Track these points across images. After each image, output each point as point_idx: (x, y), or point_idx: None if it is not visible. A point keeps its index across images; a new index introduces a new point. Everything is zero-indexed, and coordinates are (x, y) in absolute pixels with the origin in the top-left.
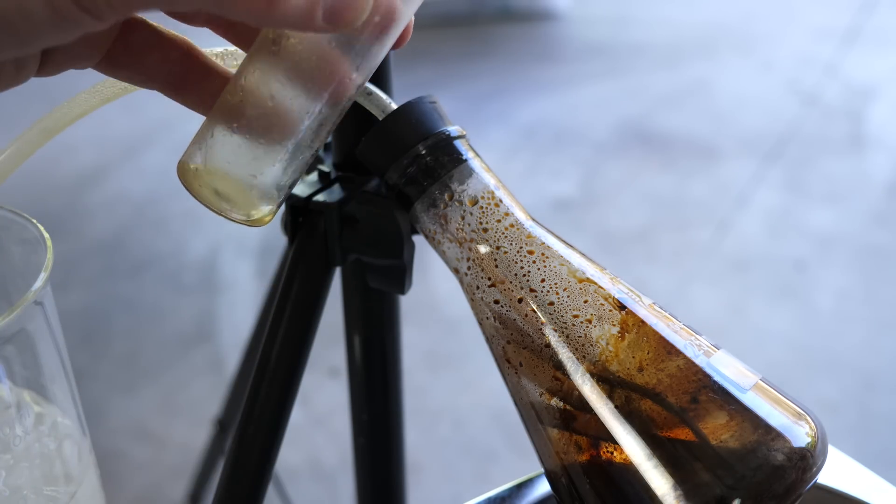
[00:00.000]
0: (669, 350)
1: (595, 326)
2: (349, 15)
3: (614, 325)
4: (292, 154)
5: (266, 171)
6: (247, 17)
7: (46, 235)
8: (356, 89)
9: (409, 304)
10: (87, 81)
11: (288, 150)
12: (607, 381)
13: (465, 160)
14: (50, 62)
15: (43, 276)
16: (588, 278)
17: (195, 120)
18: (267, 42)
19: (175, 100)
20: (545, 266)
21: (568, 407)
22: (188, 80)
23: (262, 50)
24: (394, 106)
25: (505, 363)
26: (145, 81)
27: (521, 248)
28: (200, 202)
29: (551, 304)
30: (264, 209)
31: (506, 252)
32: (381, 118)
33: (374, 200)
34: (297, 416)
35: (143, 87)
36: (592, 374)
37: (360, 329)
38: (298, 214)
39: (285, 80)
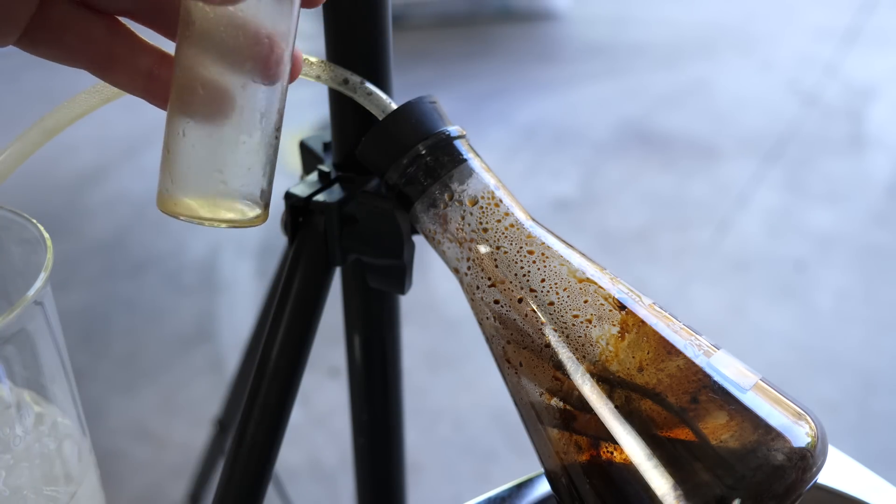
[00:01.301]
0: (669, 350)
1: (595, 326)
2: None
3: (614, 325)
4: (249, 139)
5: (229, 163)
6: None
7: (46, 235)
8: (282, 53)
9: (409, 304)
10: (87, 81)
11: (243, 136)
12: (607, 381)
13: (465, 160)
14: None
15: (43, 276)
16: (588, 278)
17: None
18: (183, 29)
19: (104, 79)
20: (545, 266)
21: (568, 407)
22: (114, 58)
23: (180, 40)
24: (394, 106)
25: (505, 363)
26: (70, 59)
27: (521, 248)
28: (188, 220)
29: (551, 304)
30: (246, 208)
31: (506, 252)
32: (381, 118)
33: (374, 200)
34: (297, 416)
35: (69, 65)
36: (592, 374)
37: (360, 329)
38: (298, 214)
39: (207, 61)
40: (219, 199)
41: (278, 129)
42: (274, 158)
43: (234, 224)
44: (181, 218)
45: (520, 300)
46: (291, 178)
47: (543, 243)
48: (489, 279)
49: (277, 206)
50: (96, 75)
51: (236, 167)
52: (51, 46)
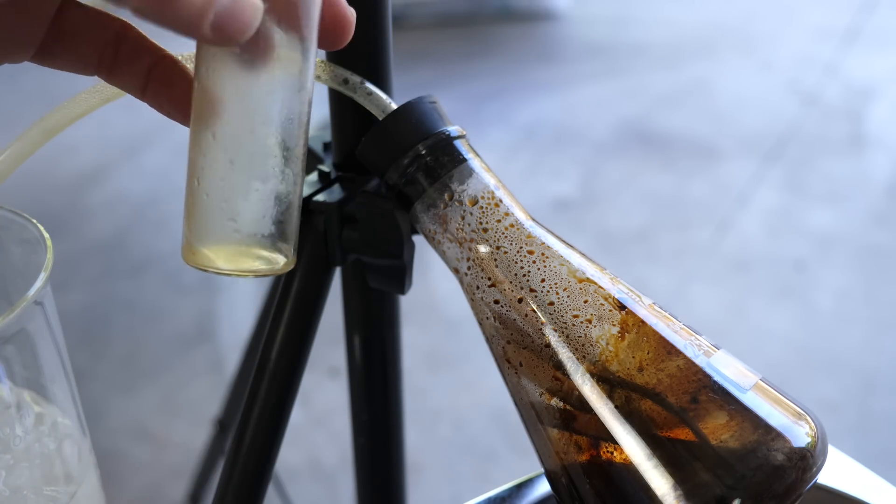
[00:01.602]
0: (669, 350)
1: (595, 326)
2: (234, 28)
3: (614, 325)
4: (262, 186)
5: (242, 211)
6: (140, 13)
7: (46, 235)
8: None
9: (409, 304)
10: (87, 81)
11: (255, 183)
12: (607, 381)
13: (465, 160)
14: None
15: (43, 276)
16: (588, 278)
17: None
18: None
19: (109, 83)
20: (545, 266)
21: (568, 407)
22: (120, 60)
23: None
24: (394, 106)
25: (505, 363)
26: (82, 68)
27: (521, 248)
28: (211, 271)
29: (551, 304)
30: (268, 258)
31: (506, 252)
32: (381, 118)
33: (374, 200)
34: (297, 416)
35: (81, 73)
36: (592, 374)
37: (360, 329)
38: None
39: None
40: (236, 249)
41: (298, 173)
42: (297, 202)
43: (257, 274)
44: (207, 270)
45: (520, 300)
46: None
47: (543, 243)
48: (489, 279)
49: None
50: (103, 79)
51: (250, 215)
52: (65, 58)
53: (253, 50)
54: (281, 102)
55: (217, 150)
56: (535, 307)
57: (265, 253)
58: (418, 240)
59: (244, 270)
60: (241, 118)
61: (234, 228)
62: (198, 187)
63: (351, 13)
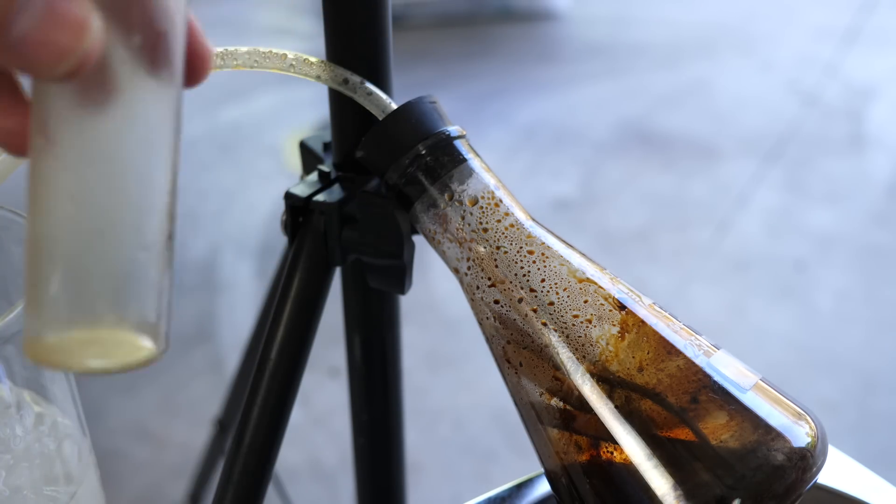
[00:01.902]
0: (669, 350)
1: (595, 326)
2: (47, 55)
3: (614, 325)
4: (145, 254)
5: (120, 287)
6: None
7: None
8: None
9: (409, 304)
10: None
11: (135, 252)
12: (607, 381)
13: (465, 160)
14: None
15: None
16: (588, 278)
17: (195, 118)
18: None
19: None
20: (545, 266)
21: (568, 407)
22: None
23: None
24: (394, 106)
25: (505, 363)
26: None
27: (521, 248)
28: (84, 372)
29: (551, 304)
30: (151, 339)
31: (506, 252)
32: (381, 118)
33: (374, 200)
34: (297, 416)
35: None
36: (592, 374)
37: (360, 329)
38: (298, 214)
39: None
40: (109, 338)
41: (172, 233)
42: (172, 270)
43: (128, 367)
44: (67, 369)
45: (520, 300)
46: (291, 178)
47: (543, 243)
48: (489, 279)
49: (278, 205)
50: None
51: (127, 295)
52: None
53: (98, 91)
54: (154, 152)
55: (81, 222)
56: (535, 307)
57: (143, 338)
58: (418, 240)
59: (117, 365)
60: (109, 178)
61: (109, 313)
62: (51, 267)
63: (211, 49)
